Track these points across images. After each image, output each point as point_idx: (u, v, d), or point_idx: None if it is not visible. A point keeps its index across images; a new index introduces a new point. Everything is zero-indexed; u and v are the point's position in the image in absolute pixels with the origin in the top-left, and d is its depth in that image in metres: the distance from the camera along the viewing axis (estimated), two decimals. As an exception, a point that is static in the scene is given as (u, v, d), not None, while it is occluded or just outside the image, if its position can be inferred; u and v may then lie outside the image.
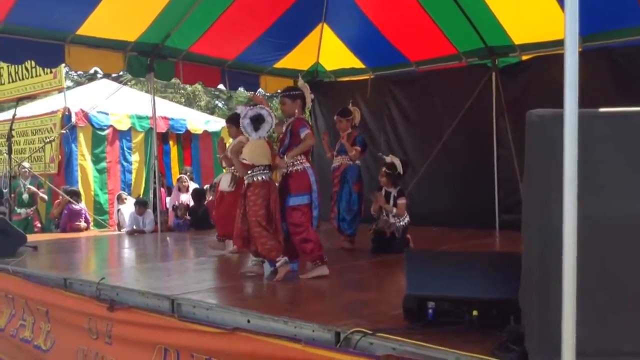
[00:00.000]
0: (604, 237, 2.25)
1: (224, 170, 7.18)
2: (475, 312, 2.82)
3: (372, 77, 9.09)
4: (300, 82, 4.79)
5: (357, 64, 9.04)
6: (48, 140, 10.03)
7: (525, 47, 7.40)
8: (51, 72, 9.95)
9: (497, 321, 2.76)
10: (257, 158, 4.58)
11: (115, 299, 4.09)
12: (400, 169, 5.88)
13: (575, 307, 1.97)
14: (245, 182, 4.65)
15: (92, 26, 6.82)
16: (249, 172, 4.59)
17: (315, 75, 9.53)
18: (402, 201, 5.83)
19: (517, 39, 7.34)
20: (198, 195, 8.99)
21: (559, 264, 2.03)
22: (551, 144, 2.16)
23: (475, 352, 2.49)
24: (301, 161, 4.58)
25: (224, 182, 5.75)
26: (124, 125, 10.42)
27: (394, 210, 5.78)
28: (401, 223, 5.80)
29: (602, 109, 2.28)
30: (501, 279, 2.83)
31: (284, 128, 4.66)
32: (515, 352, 2.43)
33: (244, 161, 4.61)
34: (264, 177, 4.57)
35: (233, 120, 5.72)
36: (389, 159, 6.01)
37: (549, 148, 2.19)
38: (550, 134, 2.19)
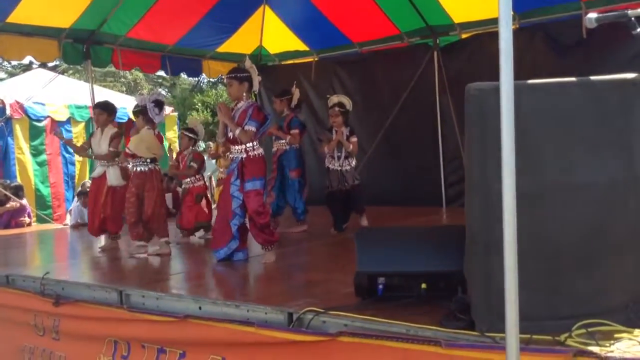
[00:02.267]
0: (542, 207, 2.33)
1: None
2: (423, 285, 2.89)
3: (316, 59, 9.06)
4: (248, 64, 4.70)
5: (301, 46, 8.99)
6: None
7: (465, 26, 7.52)
8: (-20, 62, 9.48)
9: (445, 293, 2.83)
10: (140, 150, 5.07)
11: (60, 293, 3.97)
12: (349, 105, 6.01)
13: (516, 275, 2.04)
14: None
15: (24, 13, 6.51)
16: (131, 161, 5.14)
17: (259, 59, 9.42)
18: (354, 139, 5.99)
19: (457, 18, 7.45)
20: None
21: (500, 234, 2.09)
22: (489, 116, 2.21)
23: (425, 323, 2.56)
24: (258, 146, 4.57)
25: (113, 176, 5.60)
26: (62, 116, 10.05)
27: (350, 146, 5.90)
28: (351, 165, 5.99)
29: (537, 80, 2.35)
30: (448, 252, 2.89)
31: (236, 113, 4.56)
32: (463, 321, 2.50)
33: (128, 150, 5.14)
34: (143, 168, 5.15)
35: (104, 108, 5.84)
36: (335, 98, 6.07)
37: (487, 120, 2.24)
38: (488, 107, 2.24)
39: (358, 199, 6.05)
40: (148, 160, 5.18)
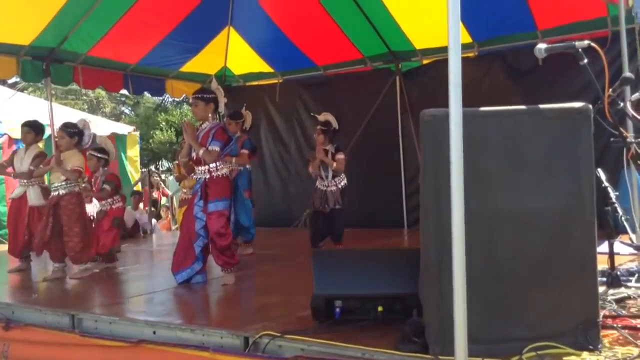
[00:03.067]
0: (492, 231, 2.38)
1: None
2: (380, 308, 2.91)
3: (280, 81, 9.12)
4: (214, 85, 4.70)
5: (266, 68, 9.03)
6: None
7: (426, 52, 7.70)
8: None
9: (401, 315, 2.85)
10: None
11: (10, 317, 3.84)
12: (335, 124, 5.92)
13: (465, 298, 2.07)
14: (62, 191, 5.03)
15: (-19, 30, 6.39)
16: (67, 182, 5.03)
17: (223, 79, 9.41)
18: (340, 156, 5.84)
19: (418, 44, 7.62)
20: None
21: (451, 257, 2.13)
22: (442, 141, 2.25)
23: (380, 347, 2.56)
24: (223, 166, 4.55)
25: (33, 196, 5.51)
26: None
27: (334, 164, 5.77)
28: (338, 186, 5.83)
29: (486, 108, 2.41)
30: (404, 275, 2.91)
31: (200, 133, 4.53)
32: (417, 344, 2.52)
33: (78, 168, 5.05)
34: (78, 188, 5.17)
35: (33, 127, 5.79)
36: (322, 117, 6.02)
37: (440, 146, 2.28)
38: (441, 132, 2.29)
39: (336, 226, 5.87)
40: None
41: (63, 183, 5.00)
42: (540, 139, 2.45)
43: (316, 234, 5.86)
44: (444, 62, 7.54)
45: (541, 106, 2.49)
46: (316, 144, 6.04)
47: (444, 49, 7.58)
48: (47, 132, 9.83)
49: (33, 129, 5.71)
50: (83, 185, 5.37)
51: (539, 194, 2.41)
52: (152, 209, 9.67)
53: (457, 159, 2.03)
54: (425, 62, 7.83)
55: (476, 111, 2.38)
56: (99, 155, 5.54)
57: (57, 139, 5.28)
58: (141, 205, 9.89)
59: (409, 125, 7.82)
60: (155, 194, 12.75)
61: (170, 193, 12.61)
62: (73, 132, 5.13)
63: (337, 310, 2.97)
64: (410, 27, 7.35)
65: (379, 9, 7.13)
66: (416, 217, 7.69)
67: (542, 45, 2.69)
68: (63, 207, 4.98)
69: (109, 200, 5.48)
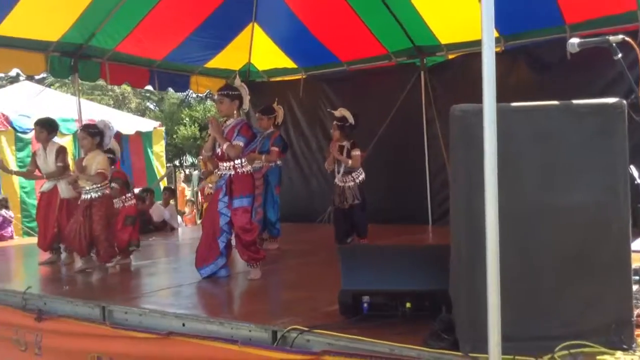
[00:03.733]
0: (524, 227, 2.36)
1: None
2: (408, 304, 2.90)
3: (304, 76, 9.12)
4: (237, 82, 4.71)
5: (289, 64, 9.05)
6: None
7: (451, 47, 7.62)
8: (-35, 74, 9.41)
9: (430, 312, 2.85)
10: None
11: (42, 308, 3.92)
12: (351, 119, 5.83)
13: (499, 296, 2.06)
14: (94, 194, 5.04)
15: (11, 26, 6.48)
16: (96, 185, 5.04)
17: (247, 76, 9.46)
18: (356, 152, 5.76)
19: (443, 39, 7.56)
20: (138, 199, 8.74)
21: (483, 254, 2.11)
22: (473, 137, 2.24)
23: (409, 343, 2.56)
24: (246, 163, 4.58)
25: (65, 189, 5.58)
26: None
27: (349, 162, 5.72)
28: (356, 181, 5.78)
29: (519, 103, 2.39)
30: (433, 271, 2.91)
31: (225, 129, 4.57)
32: (447, 340, 2.51)
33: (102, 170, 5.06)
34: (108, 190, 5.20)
35: (44, 125, 5.76)
36: (338, 112, 5.96)
37: (471, 141, 2.27)
38: (472, 128, 2.27)
39: (358, 221, 5.85)
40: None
41: (94, 186, 5.05)
42: (573, 135, 2.42)
43: (340, 231, 5.86)
44: (470, 57, 7.52)
45: (574, 102, 2.46)
46: (332, 140, 6.03)
47: (470, 44, 7.55)
48: (75, 127, 10.07)
49: (45, 127, 5.72)
50: (113, 185, 5.40)
51: (572, 190, 2.38)
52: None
53: (491, 155, 2.02)
54: (450, 57, 7.76)
55: (508, 107, 2.35)
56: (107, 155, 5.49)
57: (79, 140, 5.33)
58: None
59: (434, 120, 7.77)
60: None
61: (195, 188, 12.72)
62: (94, 132, 5.18)
63: (365, 305, 2.97)
64: (435, 21, 7.29)
65: (404, 4, 7.08)
66: (441, 213, 7.66)
67: (575, 40, 2.65)
68: (95, 212, 5.04)
69: (121, 198, 5.46)
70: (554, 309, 2.41)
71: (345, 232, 5.87)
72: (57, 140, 5.98)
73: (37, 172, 5.83)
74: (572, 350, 2.27)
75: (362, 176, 5.89)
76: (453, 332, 2.51)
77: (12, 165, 9.53)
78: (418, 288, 2.93)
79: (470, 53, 7.31)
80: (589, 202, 2.38)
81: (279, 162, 6.16)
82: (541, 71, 6.94)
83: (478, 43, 6.97)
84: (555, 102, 2.47)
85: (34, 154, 5.94)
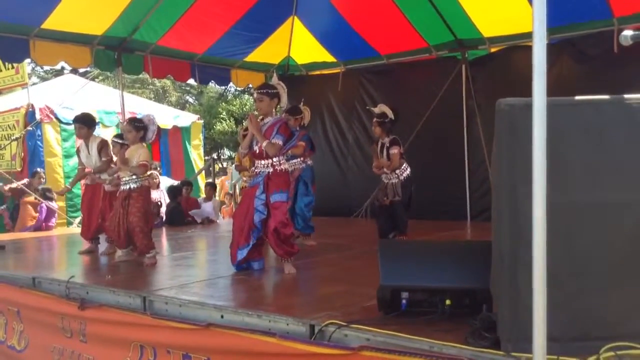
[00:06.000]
0: (572, 225, 2.29)
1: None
2: (448, 301, 2.86)
3: (343, 70, 9.10)
4: (275, 80, 4.72)
5: (328, 57, 9.04)
6: (14, 137, 9.78)
7: (494, 40, 7.50)
8: (13, 67, 9.70)
9: (469, 310, 2.80)
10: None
11: (85, 297, 4.02)
12: (391, 115, 5.73)
13: (545, 294, 2.00)
14: (133, 185, 5.12)
15: (58, 20, 6.67)
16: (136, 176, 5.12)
17: (286, 69, 9.50)
18: (394, 150, 5.64)
19: (486, 32, 7.43)
20: (173, 192, 8.89)
21: (528, 251, 2.06)
22: (520, 132, 2.18)
23: (448, 341, 2.52)
24: (284, 160, 4.62)
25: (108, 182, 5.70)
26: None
27: (389, 164, 5.63)
28: (400, 178, 5.69)
29: (569, 98, 2.31)
30: (473, 268, 2.86)
31: (263, 127, 4.56)
32: (488, 339, 2.46)
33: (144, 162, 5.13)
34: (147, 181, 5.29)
35: (84, 121, 5.82)
36: (377, 109, 5.88)
37: (517, 136, 2.21)
38: (518, 123, 2.21)
39: (397, 217, 5.75)
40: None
41: (134, 177, 5.15)
42: (623, 130, 2.33)
43: (381, 227, 5.82)
44: (513, 50, 7.37)
45: (626, 96, 2.37)
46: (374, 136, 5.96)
47: (514, 37, 7.42)
48: (116, 120, 10.28)
49: (85, 123, 5.82)
50: (149, 172, 5.49)
51: (621, 187, 2.30)
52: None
53: (540, 151, 1.96)
54: (493, 50, 7.62)
55: (557, 101, 2.28)
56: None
57: (124, 132, 5.43)
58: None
59: (474, 114, 7.66)
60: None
61: (232, 181, 12.83)
62: (139, 126, 5.27)
63: (404, 302, 2.94)
64: (478, 14, 7.17)
65: (446, -4, 6.99)
66: (480, 209, 7.55)
67: (628, 32, 2.55)
68: (132, 203, 5.11)
69: None
70: (600, 310, 2.33)
71: (387, 229, 5.82)
72: (100, 132, 6.09)
73: (87, 170, 5.93)
74: (618, 352, 2.20)
75: (406, 172, 5.78)
76: (494, 331, 2.46)
77: (59, 155, 9.82)
78: (458, 285, 2.88)
79: (514, 46, 7.18)
80: (638, 201, 2.29)
81: (309, 162, 6.14)
82: (587, 64, 6.76)
83: (522, 36, 6.87)
84: (606, 97, 2.38)
85: (77, 150, 6.07)
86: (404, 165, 5.80)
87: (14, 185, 9.18)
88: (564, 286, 2.25)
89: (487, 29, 7.37)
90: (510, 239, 2.31)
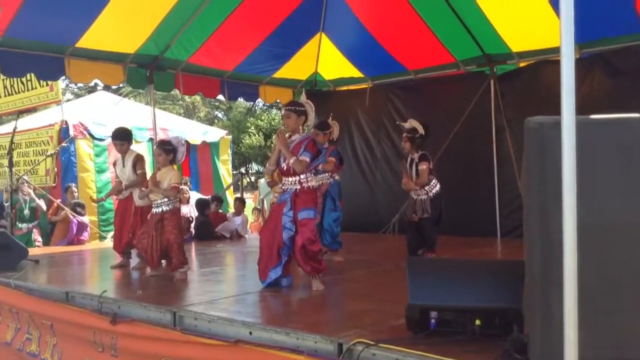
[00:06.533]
0: (604, 244, 2.25)
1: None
2: (478, 322, 2.82)
3: (370, 85, 9.13)
4: (303, 98, 4.78)
5: (356, 73, 9.08)
6: (49, 153, 10.03)
7: (523, 55, 7.44)
8: (47, 84, 9.96)
9: (500, 330, 2.76)
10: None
11: (117, 312, 4.08)
12: (421, 130, 5.68)
13: (576, 315, 1.97)
14: (165, 207, 5.21)
15: (92, 38, 6.85)
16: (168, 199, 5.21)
17: (313, 85, 9.57)
18: (422, 166, 5.58)
19: (515, 47, 7.38)
20: (202, 205, 8.99)
21: (560, 272, 2.04)
22: (549, 150, 2.16)
23: (478, 362, 2.49)
24: (311, 177, 4.63)
25: (137, 197, 5.79)
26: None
27: (418, 180, 5.58)
28: (429, 194, 5.63)
29: (599, 116, 2.29)
30: (504, 288, 2.82)
31: (290, 144, 4.59)
32: (519, 360, 2.43)
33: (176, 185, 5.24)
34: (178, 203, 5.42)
35: (123, 137, 5.94)
36: (407, 124, 5.84)
37: (547, 155, 2.19)
38: (548, 141, 2.19)
39: (426, 234, 5.70)
40: None
41: (165, 199, 5.23)
42: (656, 149, 2.29)
43: (410, 244, 5.78)
44: (543, 65, 7.29)
45: (659, 114, 2.33)
46: (403, 152, 5.93)
47: (543, 51, 7.34)
48: (147, 135, 10.47)
49: (125, 139, 5.94)
50: (182, 186, 5.59)
51: (656, 206, 2.25)
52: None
53: (570, 170, 1.94)
54: (522, 64, 7.56)
55: (587, 119, 2.26)
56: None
57: (155, 156, 5.53)
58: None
59: (503, 129, 7.60)
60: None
61: (261, 196, 12.93)
62: (169, 149, 5.37)
63: (432, 321, 2.91)
64: (506, 29, 7.13)
65: (474, 12, 6.97)
66: (510, 226, 7.45)
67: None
68: (167, 223, 5.21)
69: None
70: (633, 330, 2.28)
71: (416, 245, 5.78)
72: (132, 147, 6.19)
73: (122, 185, 5.98)
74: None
75: (436, 188, 5.72)
76: (525, 352, 2.42)
77: (92, 171, 10.04)
78: (488, 305, 2.84)
79: (543, 61, 7.11)
80: (674, 220, 2.24)
81: (337, 177, 6.14)
82: (618, 80, 6.65)
83: (551, 51, 6.80)
84: (637, 115, 2.35)
85: (114, 164, 6.18)
86: (434, 181, 5.76)
87: (58, 217, 9.37)
88: (596, 306, 2.21)
89: (516, 43, 7.32)
90: (542, 258, 2.28)
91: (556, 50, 6.83)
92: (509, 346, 2.51)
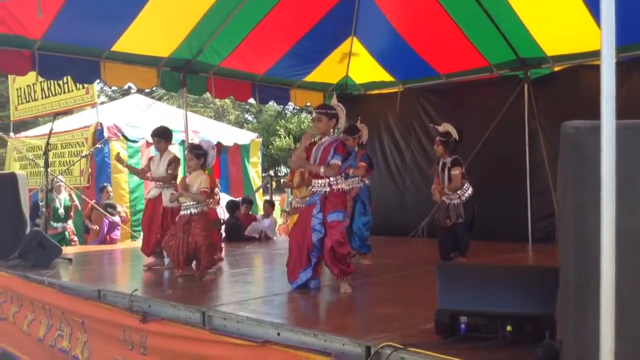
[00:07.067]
0: (642, 252, 2.19)
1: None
2: (509, 328, 2.78)
3: (401, 89, 9.08)
4: (334, 102, 4.79)
5: (387, 77, 9.06)
6: (84, 154, 10.24)
7: (558, 59, 7.33)
8: (83, 87, 10.18)
9: (531, 337, 2.71)
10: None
11: (147, 310, 4.13)
12: (455, 134, 5.64)
13: (613, 323, 1.92)
14: (194, 210, 5.28)
15: (127, 42, 6.98)
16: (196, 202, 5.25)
17: (344, 89, 9.57)
18: (455, 172, 5.54)
19: (549, 51, 7.28)
20: (232, 207, 9.07)
21: (596, 279, 1.99)
22: (587, 156, 2.12)
23: (509, 368, 2.45)
24: (342, 180, 4.63)
25: (166, 198, 5.82)
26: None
27: (451, 185, 5.54)
28: (462, 198, 5.58)
29: (637, 121, 2.23)
30: (536, 294, 2.77)
31: (320, 147, 4.60)
32: (551, 368, 2.38)
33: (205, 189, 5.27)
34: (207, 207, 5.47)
35: (162, 135, 6.02)
36: (441, 127, 5.80)
37: (584, 160, 2.14)
38: (586, 146, 2.15)
39: (459, 238, 5.68)
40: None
41: (194, 202, 5.29)
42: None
43: (443, 249, 5.72)
44: (578, 69, 7.16)
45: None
46: (435, 155, 5.88)
47: (578, 55, 7.22)
48: (180, 137, 10.60)
49: (162, 137, 6.03)
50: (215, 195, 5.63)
51: (697, 214, 2.18)
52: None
53: (609, 176, 1.90)
54: (556, 69, 7.44)
55: (626, 123, 2.20)
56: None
57: (187, 160, 5.58)
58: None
59: (537, 134, 7.48)
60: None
61: (290, 199, 12.95)
62: (199, 153, 5.42)
63: (462, 326, 2.88)
64: (541, 32, 7.04)
65: (508, 15, 6.89)
66: (542, 232, 7.33)
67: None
68: (194, 225, 5.25)
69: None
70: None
71: (448, 249, 5.72)
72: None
73: (148, 174, 6.16)
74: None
75: (468, 192, 5.68)
76: (558, 360, 2.38)
77: (125, 172, 10.20)
78: (520, 311, 2.79)
79: (579, 65, 6.99)
80: None
81: (367, 181, 6.11)
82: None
83: (586, 55, 6.69)
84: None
85: (150, 158, 6.28)
86: (466, 185, 5.70)
87: (92, 226, 9.56)
88: (633, 315, 2.15)
89: (551, 47, 7.21)
90: (577, 264, 2.23)
91: (592, 54, 6.74)
92: (541, 353, 2.46)
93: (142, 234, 7.28)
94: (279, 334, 3.36)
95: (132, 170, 7.21)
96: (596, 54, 2.04)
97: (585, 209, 2.14)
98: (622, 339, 2.03)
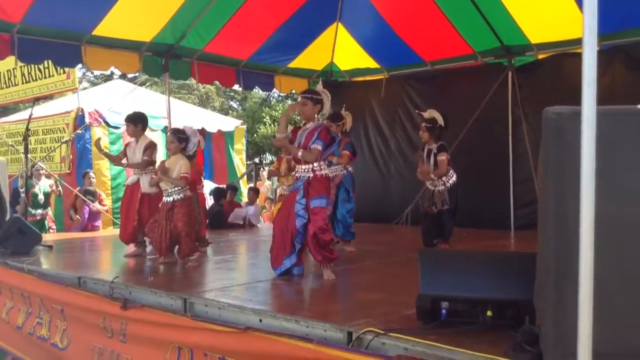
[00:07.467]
0: (621, 238, 2.20)
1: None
2: (489, 313, 2.79)
3: (386, 77, 9.06)
4: (320, 87, 4.74)
5: (372, 64, 9.02)
6: (64, 140, 10.10)
7: (542, 46, 7.35)
8: (64, 72, 10.01)
9: (511, 322, 2.73)
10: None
11: (128, 297, 4.09)
12: (441, 121, 5.62)
13: (591, 308, 1.93)
14: (176, 196, 5.22)
15: (108, 26, 6.87)
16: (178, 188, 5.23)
17: (329, 75, 9.52)
18: (442, 157, 5.54)
19: (534, 38, 7.29)
20: (218, 194, 9.01)
21: (575, 264, 2.00)
22: (568, 141, 2.11)
23: (489, 353, 2.46)
24: (324, 166, 4.61)
25: (146, 184, 5.72)
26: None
27: (437, 170, 5.54)
28: (447, 185, 5.59)
29: (620, 106, 2.24)
30: (516, 279, 2.78)
31: (304, 132, 4.57)
32: (530, 353, 2.39)
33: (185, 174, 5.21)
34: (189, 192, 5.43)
35: (136, 120, 5.91)
36: (427, 114, 5.77)
37: (565, 146, 2.14)
38: (567, 132, 2.15)
39: (444, 226, 5.68)
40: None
41: (176, 188, 5.24)
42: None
43: (426, 235, 5.73)
44: (562, 57, 7.20)
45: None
46: (420, 142, 5.88)
47: (562, 43, 7.25)
48: (163, 123, 10.50)
49: (134, 122, 5.89)
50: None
51: (675, 200, 2.20)
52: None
53: (589, 161, 1.90)
54: (540, 56, 7.46)
55: (606, 109, 2.20)
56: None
57: (167, 143, 5.52)
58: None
59: (520, 122, 7.52)
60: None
61: (274, 186, 12.93)
62: (182, 137, 5.36)
63: (443, 311, 2.88)
64: (525, 20, 7.05)
65: (493, 2, 6.90)
66: (525, 219, 7.38)
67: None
68: (177, 211, 5.22)
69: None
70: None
71: (432, 235, 5.73)
72: (147, 134, 6.18)
73: (124, 160, 6.07)
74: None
75: (453, 179, 5.69)
76: (537, 345, 2.39)
77: (106, 160, 10.06)
78: (500, 296, 2.81)
79: (562, 53, 7.02)
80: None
81: (350, 168, 6.10)
82: (638, 71, 6.54)
83: (570, 42, 6.70)
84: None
85: (126, 145, 6.18)
86: (451, 171, 5.70)
87: (77, 217, 9.44)
88: (611, 300, 2.16)
89: (535, 35, 7.22)
90: (557, 251, 2.24)
91: (576, 42, 6.75)
92: (520, 337, 2.47)
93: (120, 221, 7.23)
94: (260, 321, 3.35)
95: (108, 157, 7.08)
96: (580, 42, 2.03)
97: (565, 195, 2.14)
98: (600, 323, 2.04)
